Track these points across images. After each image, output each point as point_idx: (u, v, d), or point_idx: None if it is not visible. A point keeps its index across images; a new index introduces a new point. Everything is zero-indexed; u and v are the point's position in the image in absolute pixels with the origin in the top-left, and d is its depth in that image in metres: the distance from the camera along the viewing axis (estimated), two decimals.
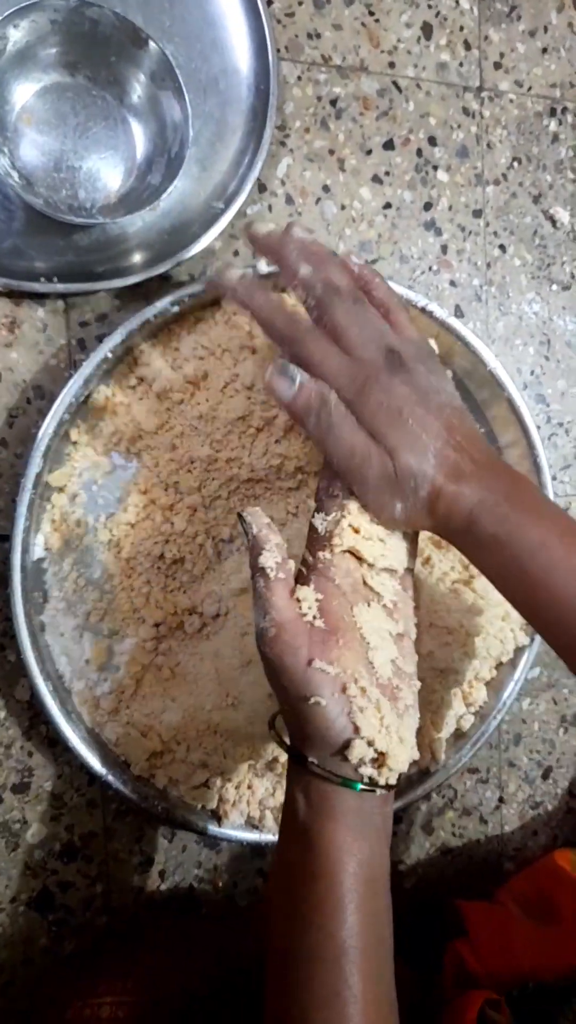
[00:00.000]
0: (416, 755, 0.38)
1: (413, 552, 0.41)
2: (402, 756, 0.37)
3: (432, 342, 0.55)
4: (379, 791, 0.36)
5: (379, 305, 0.42)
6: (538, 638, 0.55)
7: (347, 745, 0.36)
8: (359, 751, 0.35)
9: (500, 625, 0.54)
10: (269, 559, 0.37)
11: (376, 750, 0.36)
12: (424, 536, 0.54)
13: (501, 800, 0.62)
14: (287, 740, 0.39)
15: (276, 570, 0.37)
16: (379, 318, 0.41)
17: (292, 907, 0.36)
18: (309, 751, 0.37)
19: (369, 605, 0.38)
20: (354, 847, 0.35)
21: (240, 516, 0.39)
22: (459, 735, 0.55)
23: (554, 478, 0.62)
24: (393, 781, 0.37)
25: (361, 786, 0.36)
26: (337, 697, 0.35)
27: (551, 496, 0.56)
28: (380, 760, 0.36)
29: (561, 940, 0.51)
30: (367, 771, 0.36)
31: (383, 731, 0.36)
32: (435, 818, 0.59)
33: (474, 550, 0.39)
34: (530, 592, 0.37)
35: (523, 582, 0.37)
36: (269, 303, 0.41)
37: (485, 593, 0.54)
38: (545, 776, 0.63)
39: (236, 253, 0.54)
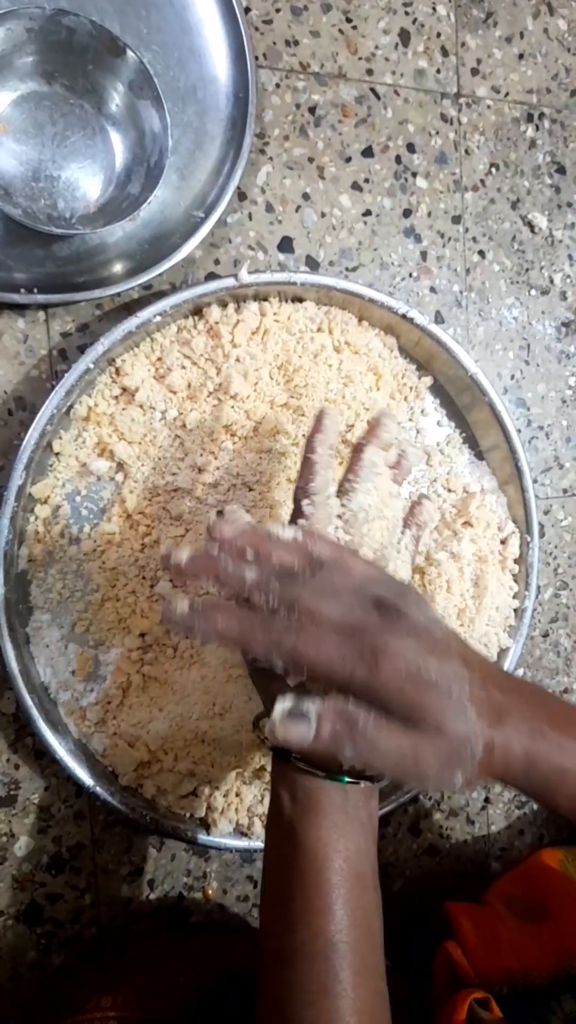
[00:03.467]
0: None
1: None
2: None
3: (400, 352, 0.55)
4: (363, 783, 0.36)
5: (331, 562, 0.37)
6: (521, 639, 0.56)
7: None
8: None
9: (484, 629, 0.55)
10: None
11: None
12: None
13: (487, 801, 0.62)
14: (271, 740, 0.39)
15: None
16: (343, 570, 0.36)
17: (281, 903, 0.36)
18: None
19: None
20: (340, 843, 0.35)
21: (219, 514, 0.37)
22: None
23: (535, 481, 0.62)
24: (376, 772, 0.37)
25: (347, 778, 0.36)
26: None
27: (532, 499, 0.56)
28: None
29: (549, 939, 0.51)
30: (350, 765, 0.36)
31: None
32: (422, 820, 0.60)
33: (536, 786, 0.36)
34: None
35: None
36: (236, 618, 0.35)
37: (472, 598, 0.55)
38: None
39: (217, 262, 0.54)
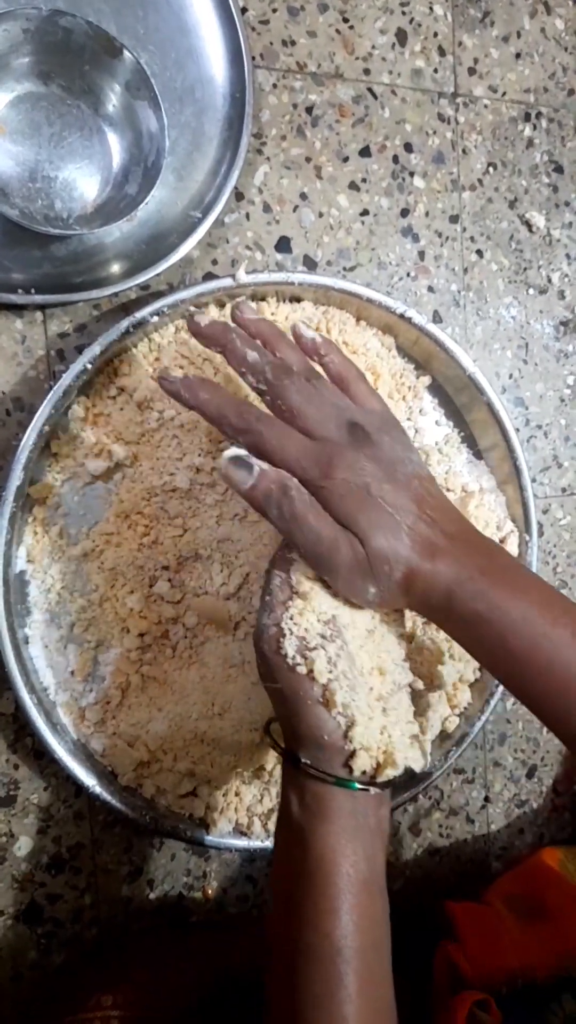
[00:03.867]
0: (414, 757, 0.38)
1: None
2: (395, 755, 0.37)
3: (399, 351, 0.55)
4: (373, 791, 0.36)
5: (336, 379, 0.41)
6: None
7: (340, 743, 0.36)
8: (352, 747, 0.36)
9: None
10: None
11: (368, 748, 0.36)
12: None
13: (487, 800, 0.62)
14: (281, 744, 0.39)
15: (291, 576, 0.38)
16: (337, 392, 0.40)
17: (288, 908, 0.36)
18: (302, 752, 0.37)
19: (357, 616, 0.39)
20: (347, 849, 0.35)
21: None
22: (445, 737, 0.55)
23: (533, 480, 0.62)
24: (385, 780, 0.37)
25: (356, 785, 0.36)
26: (333, 696, 0.36)
27: (531, 498, 0.56)
28: (373, 758, 0.36)
29: (550, 938, 0.51)
30: (360, 769, 0.36)
31: (375, 730, 0.36)
32: (422, 819, 0.60)
33: (454, 627, 0.38)
34: (515, 667, 0.37)
35: (507, 658, 0.36)
36: (216, 395, 0.39)
37: None
38: (530, 775, 0.64)
39: (215, 262, 0.54)
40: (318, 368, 0.43)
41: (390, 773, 0.37)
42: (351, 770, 0.36)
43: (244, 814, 0.51)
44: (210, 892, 0.54)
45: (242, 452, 0.37)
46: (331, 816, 0.36)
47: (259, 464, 0.37)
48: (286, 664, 0.36)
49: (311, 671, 0.36)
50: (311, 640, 0.36)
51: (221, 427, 0.38)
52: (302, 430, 0.38)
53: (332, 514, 0.36)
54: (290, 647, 0.36)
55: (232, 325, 0.40)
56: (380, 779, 0.37)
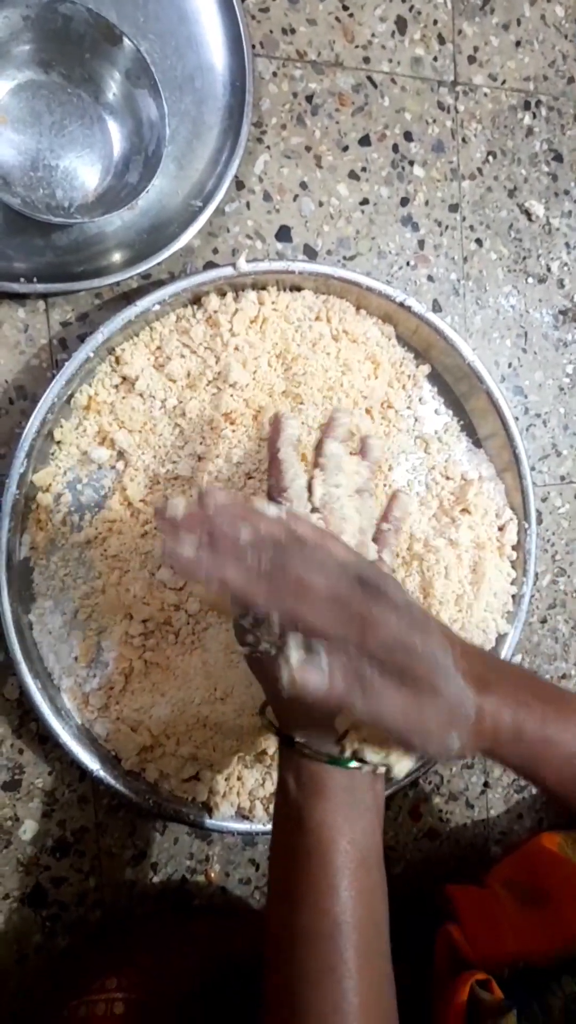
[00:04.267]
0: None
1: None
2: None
3: (398, 340, 0.55)
4: (366, 768, 0.37)
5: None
6: (519, 625, 0.57)
7: (332, 723, 0.36)
8: (343, 727, 0.36)
9: (483, 615, 0.55)
10: None
11: (359, 726, 0.37)
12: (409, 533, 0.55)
13: (486, 785, 0.63)
14: (276, 724, 0.39)
15: None
16: (327, 552, 0.37)
17: (287, 886, 0.36)
18: (297, 732, 0.37)
19: None
20: (344, 826, 0.36)
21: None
22: None
23: (533, 468, 0.63)
24: (376, 758, 0.37)
25: (351, 763, 0.36)
26: None
27: (530, 486, 0.57)
28: (365, 735, 0.37)
29: (550, 921, 0.52)
30: (353, 746, 0.37)
31: None
32: (422, 804, 0.61)
33: (528, 758, 0.37)
34: None
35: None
36: (243, 571, 0.34)
37: (470, 584, 0.55)
38: None
39: (215, 251, 0.54)
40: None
41: (377, 752, 0.37)
42: (343, 748, 0.37)
43: (246, 798, 0.52)
44: (213, 875, 0.55)
45: (302, 655, 0.34)
46: (327, 794, 0.36)
47: (323, 660, 0.34)
48: None
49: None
50: None
51: (249, 603, 0.35)
52: (319, 596, 0.35)
53: (388, 672, 0.34)
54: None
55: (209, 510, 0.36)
56: (372, 755, 0.37)
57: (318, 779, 0.37)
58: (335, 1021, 0.33)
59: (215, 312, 0.50)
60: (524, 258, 0.63)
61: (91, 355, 0.47)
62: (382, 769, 0.38)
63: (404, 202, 0.59)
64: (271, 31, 0.55)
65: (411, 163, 0.59)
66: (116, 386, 0.50)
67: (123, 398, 0.50)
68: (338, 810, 0.36)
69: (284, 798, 0.38)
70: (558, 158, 0.64)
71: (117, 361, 0.50)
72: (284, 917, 0.36)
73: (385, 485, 0.55)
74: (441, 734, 0.35)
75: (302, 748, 0.37)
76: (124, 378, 0.50)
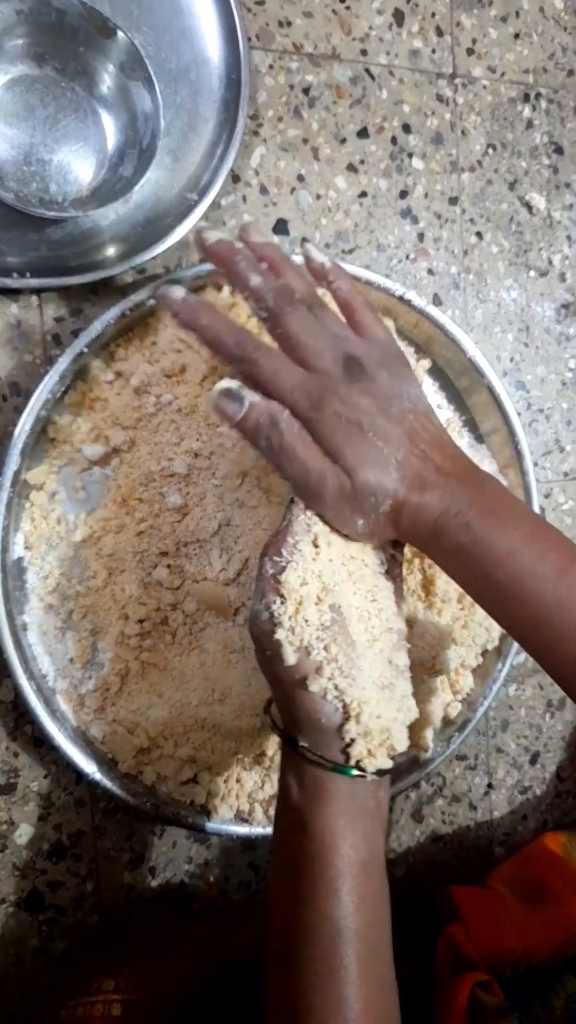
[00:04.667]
0: (406, 744, 0.38)
1: (394, 555, 0.41)
2: (393, 742, 0.37)
3: (399, 335, 0.55)
4: (370, 776, 0.36)
5: (342, 305, 0.41)
6: None
7: (338, 730, 0.36)
8: (349, 736, 0.36)
9: (485, 613, 0.54)
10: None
11: (366, 736, 0.36)
12: None
13: (490, 786, 0.62)
14: (280, 726, 0.39)
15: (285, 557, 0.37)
16: (339, 323, 0.40)
17: (288, 889, 0.36)
18: (301, 736, 0.37)
19: (356, 600, 0.38)
20: (347, 830, 0.35)
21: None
22: (447, 723, 0.55)
23: (535, 464, 0.62)
24: (383, 767, 0.37)
25: (354, 772, 0.36)
26: (328, 682, 0.35)
27: (533, 483, 0.56)
28: (371, 745, 0.36)
29: (552, 921, 0.51)
30: (358, 756, 0.36)
31: (373, 717, 0.36)
32: (425, 806, 0.60)
33: (442, 559, 0.39)
34: (501, 601, 0.37)
35: (493, 591, 0.37)
36: (216, 322, 0.39)
37: None
38: (533, 761, 0.63)
39: None
40: (327, 296, 0.43)
41: (388, 760, 0.37)
42: (348, 756, 0.36)
43: (245, 800, 0.51)
44: (211, 879, 0.54)
45: (233, 384, 0.37)
46: (330, 799, 0.36)
47: (249, 396, 0.37)
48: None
49: (307, 656, 0.36)
50: (308, 625, 0.36)
51: (218, 352, 0.39)
52: (299, 361, 0.38)
53: (322, 447, 0.37)
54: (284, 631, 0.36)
55: (239, 247, 0.40)
56: (378, 766, 0.36)
57: (321, 783, 0.36)
58: (336, 1023, 0.33)
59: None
60: (525, 251, 0.62)
61: (85, 350, 0.46)
62: (387, 776, 0.38)
63: (403, 195, 0.58)
64: (267, 23, 0.55)
65: (410, 155, 0.58)
66: (111, 382, 0.49)
67: (118, 394, 0.49)
68: (341, 815, 0.36)
69: (286, 800, 0.37)
70: (559, 151, 0.63)
71: (112, 357, 0.49)
72: (286, 920, 0.36)
73: None
74: (339, 510, 0.37)
75: (306, 752, 0.36)
76: (118, 374, 0.49)
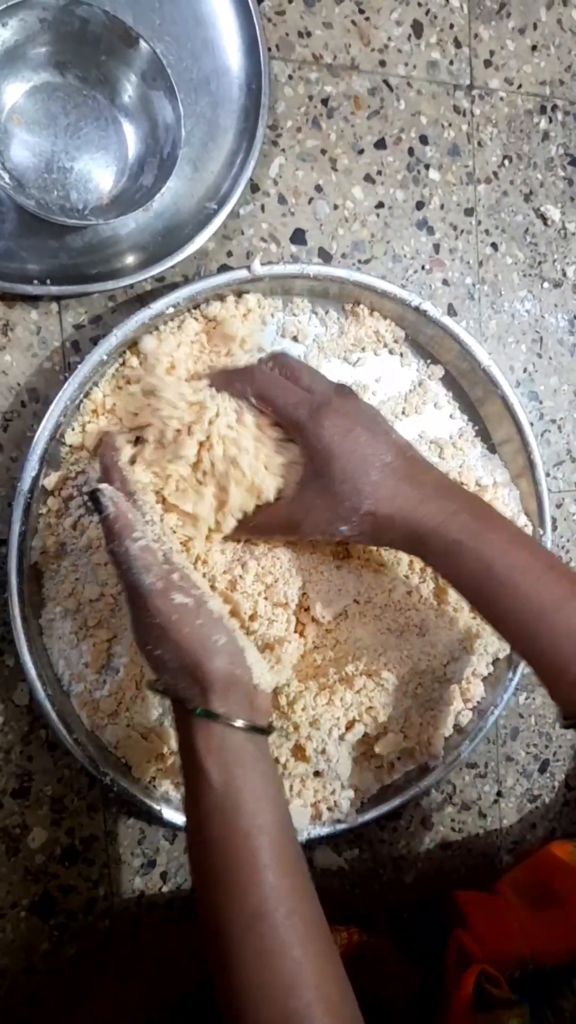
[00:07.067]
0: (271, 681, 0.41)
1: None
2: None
3: (412, 344, 0.55)
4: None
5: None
6: None
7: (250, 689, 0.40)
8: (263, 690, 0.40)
9: None
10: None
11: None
12: None
13: (499, 794, 0.62)
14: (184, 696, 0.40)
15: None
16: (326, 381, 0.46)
17: (206, 850, 0.38)
18: (216, 702, 0.39)
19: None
20: (268, 791, 0.38)
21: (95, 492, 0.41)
22: (457, 731, 0.55)
23: (548, 474, 0.62)
24: (218, 707, 0.38)
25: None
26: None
27: (545, 492, 0.56)
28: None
29: (560, 923, 0.51)
30: (266, 719, 0.40)
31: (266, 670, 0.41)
32: (434, 813, 0.60)
33: (434, 558, 0.42)
34: (495, 590, 0.41)
35: (489, 582, 0.41)
36: (225, 375, 0.46)
37: None
38: (542, 769, 0.63)
39: (230, 254, 0.54)
40: None
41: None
42: (257, 716, 0.39)
43: None
44: None
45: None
46: (246, 761, 0.38)
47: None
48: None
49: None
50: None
51: (229, 388, 0.45)
52: (299, 385, 0.44)
53: (312, 449, 0.43)
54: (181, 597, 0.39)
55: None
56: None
57: (236, 747, 0.38)
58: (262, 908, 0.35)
59: (225, 314, 0.49)
60: (540, 263, 0.62)
61: (104, 358, 0.47)
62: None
63: (419, 206, 0.58)
64: (287, 34, 0.55)
65: (427, 167, 0.59)
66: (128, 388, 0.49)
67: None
68: (256, 778, 0.38)
69: (198, 766, 0.38)
70: (574, 162, 0.63)
71: (124, 364, 0.49)
72: (209, 864, 0.38)
73: None
74: (317, 519, 0.43)
75: (227, 719, 0.38)
76: (136, 380, 0.49)
